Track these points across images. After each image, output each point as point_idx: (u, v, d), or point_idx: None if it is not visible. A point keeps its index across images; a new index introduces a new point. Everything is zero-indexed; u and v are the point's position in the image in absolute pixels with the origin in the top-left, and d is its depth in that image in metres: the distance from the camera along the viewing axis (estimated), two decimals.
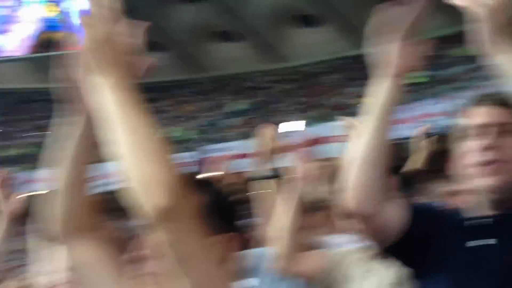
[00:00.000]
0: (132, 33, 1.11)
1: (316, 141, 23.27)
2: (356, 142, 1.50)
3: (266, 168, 2.77)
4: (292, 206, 2.33)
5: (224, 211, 1.32)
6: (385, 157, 1.46)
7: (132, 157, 0.99)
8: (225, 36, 35.52)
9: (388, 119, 1.47)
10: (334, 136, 22.78)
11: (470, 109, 1.50)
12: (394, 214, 1.48)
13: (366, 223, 1.50)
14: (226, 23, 34.25)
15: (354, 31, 31.79)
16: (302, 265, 2.30)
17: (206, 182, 1.39)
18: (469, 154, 1.44)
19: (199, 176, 1.44)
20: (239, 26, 34.30)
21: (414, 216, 1.49)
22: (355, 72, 29.53)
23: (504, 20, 1.32)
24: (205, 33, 34.71)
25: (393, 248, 1.51)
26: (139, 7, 34.15)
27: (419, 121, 21.28)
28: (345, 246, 2.33)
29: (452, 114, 19.37)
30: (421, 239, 1.49)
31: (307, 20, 32.91)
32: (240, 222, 1.38)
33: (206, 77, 37.62)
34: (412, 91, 23.50)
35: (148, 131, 1.02)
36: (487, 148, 1.41)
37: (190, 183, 1.04)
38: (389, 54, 1.46)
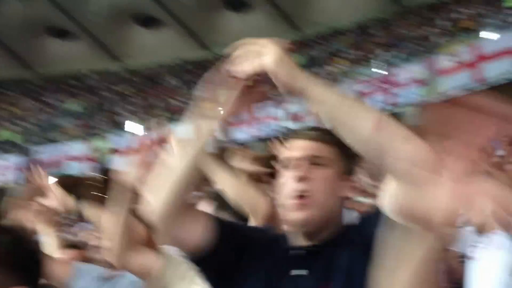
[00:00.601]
0: None
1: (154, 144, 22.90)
2: (170, 160, 1.58)
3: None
4: (122, 207, 2.45)
5: (13, 262, 1.23)
6: (192, 182, 1.55)
7: None
8: (57, 33, 33.54)
9: (198, 155, 1.57)
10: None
11: (288, 142, 1.59)
12: (197, 228, 1.54)
13: (166, 236, 1.63)
14: (58, 19, 32.35)
15: (194, 35, 31.87)
16: (136, 261, 2.46)
17: None
18: (284, 184, 1.53)
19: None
20: (73, 23, 32.64)
21: (226, 234, 1.55)
22: (195, 76, 29.60)
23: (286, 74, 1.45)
24: (35, 29, 32.44)
25: (201, 262, 1.57)
26: None
27: (258, 124, 21.89)
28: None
29: (291, 118, 20.17)
30: (231, 257, 1.55)
31: (146, 21, 32.27)
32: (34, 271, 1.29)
33: (36, 76, 35.32)
34: None
35: None
36: (299, 180, 1.49)
37: None
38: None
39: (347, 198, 1.57)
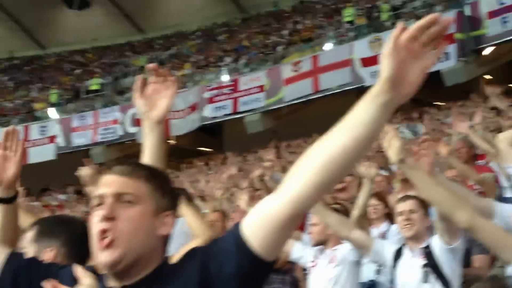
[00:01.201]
0: None
1: None
2: None
3: None
4: None
5: None
6: None
7: None
8: None
9: None
10: None
11: (100, 179, 1.51)
12: None
13: None
14: None
15: (27, 31, 29.80)
16: None
17: None
18: (92, 224, 1.44)
19: None
20: None
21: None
22: (26, 74, 27.64)
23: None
24: None
25: None
26: None
27: (94, 129, 20.98)
28: None
29: (133, 122, 19.57)
30: None
31: None
32: None
33: None
34: (87, 99, 22.95)
35: None
36: (103, 219, 1.40)
37: None
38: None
39: (167, 235, 1.47)
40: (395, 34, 1.23)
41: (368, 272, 4.37)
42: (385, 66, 1.24)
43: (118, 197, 1.42)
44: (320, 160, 1.28)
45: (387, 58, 1.24)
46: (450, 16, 14.95)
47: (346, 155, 1.27)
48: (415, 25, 1.22)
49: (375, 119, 1.27)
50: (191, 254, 1.43)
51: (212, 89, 19.71)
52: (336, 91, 17.30)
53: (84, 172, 4.04)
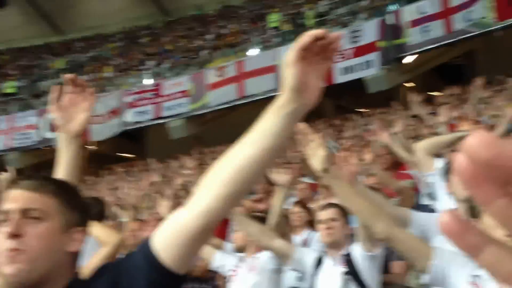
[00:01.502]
0: None
1: None
2: None
3: None
4: None
5: None
6: None
7: None
8: None
9: None
10: None
11: (7, 193, 1.45)
12: None
13: None
14: None
15: None
16: None
17: None
18: None
19: None
20: None
21: None
22: None
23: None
24: None
25: None
26: None
27: (9, 134, 20.13)
28: None
29: (50, 127, 18.87)
30: None
31: None
32: None
33: None
34: (2, 102, 21.97)
35: None
36: (9, 237, 1.34)
37: None
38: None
39: (77, 251, 1.44)
40: (298, 45, 1.25)
41: (289, 279, 4.41)
42: (288, 76, 1.27)
43: (25, 213, 1.37)
44: (228, 172, 1.29)
45: (290, 67, 1.26)
46: (372, 25, 15.48)
47: (254, 166, 1.29)
48: (306, 37, 1.25)
49: (282, 129, 1.29)
50: (102, 270, 1.40)
51: (134, 93, 19.32)
52: (261, 97, 17.39)
53: (3, 178, 3.92)
